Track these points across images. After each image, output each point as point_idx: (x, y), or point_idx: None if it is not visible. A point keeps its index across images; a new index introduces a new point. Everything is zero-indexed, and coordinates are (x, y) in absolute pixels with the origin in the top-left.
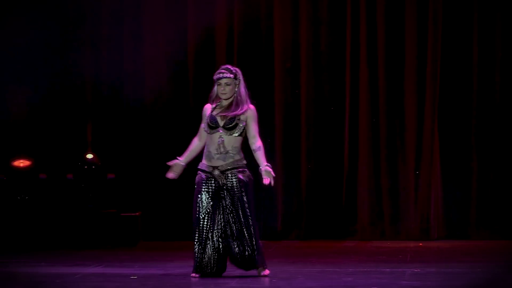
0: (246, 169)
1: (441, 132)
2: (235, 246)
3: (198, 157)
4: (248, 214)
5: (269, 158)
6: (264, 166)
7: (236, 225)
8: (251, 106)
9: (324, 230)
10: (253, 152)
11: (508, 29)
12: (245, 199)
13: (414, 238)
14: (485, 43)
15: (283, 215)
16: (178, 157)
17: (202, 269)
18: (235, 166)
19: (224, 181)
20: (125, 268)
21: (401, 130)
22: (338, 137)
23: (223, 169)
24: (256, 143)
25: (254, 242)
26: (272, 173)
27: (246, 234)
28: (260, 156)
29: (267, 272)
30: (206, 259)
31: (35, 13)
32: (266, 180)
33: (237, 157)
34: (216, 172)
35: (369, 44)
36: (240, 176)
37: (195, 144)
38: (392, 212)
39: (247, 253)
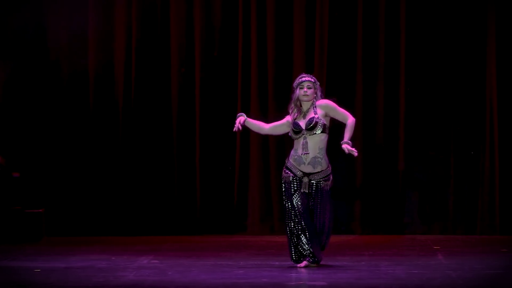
0: (330, 176)
1: None
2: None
3: None
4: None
5: (166, 160)
6: (344, 142)
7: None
8: (322, 100)
9: (217, 225)
10: None
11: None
12: (324, 202)
13: None
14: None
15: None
16: (242, 113)
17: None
18: (323, 176)
19: (309, 190)
20: (29, 262)
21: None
22: (231, 138)
23: (313, 179)
24: (348, 120)
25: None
26: (350, 148)
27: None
28: (346, 131)
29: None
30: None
31: None
32: (347, 150)
33: (324, 165)
34: (305, 180)
35: (260, 50)
36: (324, 185)
37: (262, 125)
38: (280, 209)
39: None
